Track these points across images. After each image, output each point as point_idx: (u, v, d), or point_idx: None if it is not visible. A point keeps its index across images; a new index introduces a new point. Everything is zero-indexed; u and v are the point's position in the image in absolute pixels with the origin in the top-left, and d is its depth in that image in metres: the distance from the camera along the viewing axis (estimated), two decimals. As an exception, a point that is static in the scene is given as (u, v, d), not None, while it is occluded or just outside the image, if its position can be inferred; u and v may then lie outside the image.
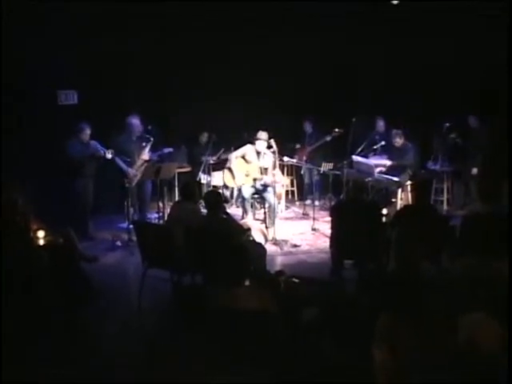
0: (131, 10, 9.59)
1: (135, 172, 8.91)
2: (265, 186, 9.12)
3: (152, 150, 9.23)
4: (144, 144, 9.09)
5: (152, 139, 9.07)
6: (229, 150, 9.73)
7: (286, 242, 8.66)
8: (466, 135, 9.94)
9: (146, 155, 9.08)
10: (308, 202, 11.01)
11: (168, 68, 10.81)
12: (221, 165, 10.21)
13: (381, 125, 10.58)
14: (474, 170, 9.83)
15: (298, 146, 11.04)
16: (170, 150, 9.76)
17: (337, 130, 10.27)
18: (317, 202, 10.71)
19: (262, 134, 9.01)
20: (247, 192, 9.23)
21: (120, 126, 9.18)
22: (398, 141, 9.67)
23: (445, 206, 10.27)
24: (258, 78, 10.92)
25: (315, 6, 10.14)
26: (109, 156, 8.59)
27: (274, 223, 8.95)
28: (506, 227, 5.81)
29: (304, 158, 10.75)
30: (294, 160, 10.43)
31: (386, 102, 10.51)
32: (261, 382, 4.62)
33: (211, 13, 10.30)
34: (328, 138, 10.49)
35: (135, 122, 9.17)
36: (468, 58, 9.90)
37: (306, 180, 11.34)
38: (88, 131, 8.75)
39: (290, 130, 11.08)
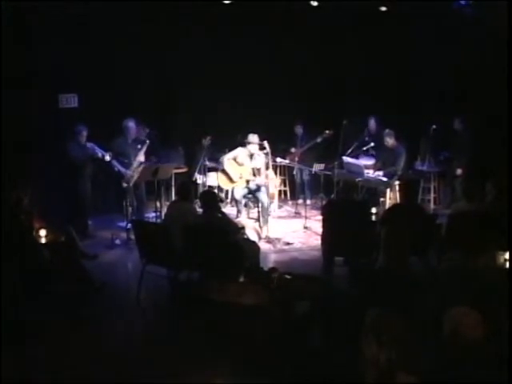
0: (130, 13, 9.69)
1: (132, 173, 8.99)
2: (258, 187, 9.24)
3: (149, 152, 9.35)
4: (139, 146, 9.21)
5: (148, 141, 9.18)
6: (223, 152, 9.82)
7: (278, 239, 8.81)
8: (451, 137, 10.11)
9: (141, 157, 9.18)
10: (300, 201, 11.09)
11: (165, 71, 10.97)
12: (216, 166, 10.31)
13: (372, 124, 10.64)
14: (459, 171, 9.96)
15: (292, 149, 11.05)
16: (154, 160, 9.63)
17: (327, 131, 10.45)
18: (308, 202, 10.93)
19: (253, 137, 9.13)
20: (239, 193, 9.35)
21: (120, 128, 9.32)
22: (389, 141, 9.72)
23: (432, 205, 10.40)
24: (252, 80, 11.01)
25: (309, 8, 10.29)
26: (107, 158, 8.78)
27: (267, 222, 9.08)
28: (489, 225, 6.03)
29: (296, 159, 10.84)
30: (287, 161, 10.55)
31: (375, 103, 10.67)
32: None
33: (209, 16, 10.42)
34: (319, 140, 10.58)
35: (131, 125, 9.29)
36: (457, 60, 10.09)
37: (298, 180, 11.39)
38: (85, 133, 8.91)
39: (282, 131, 11.12)
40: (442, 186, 10.55)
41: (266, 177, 9.25)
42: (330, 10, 10.31)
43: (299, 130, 11.19)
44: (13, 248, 6.05)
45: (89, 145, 8.88)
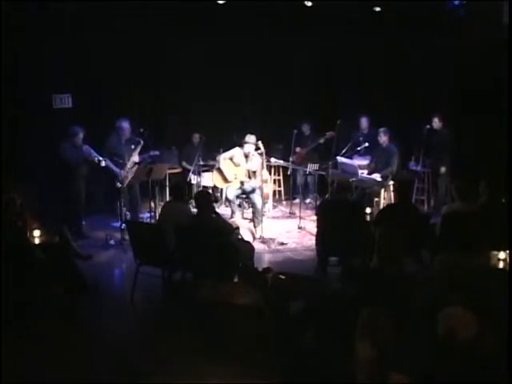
0: (124, 13, 9.69)
1: (126, 173, 8.97)
2: (252, 188, 9.25)
3: (142, 153, 9.33)
4: (133, 146, 9.20)
5: (142, 142, 9.16)
6: (218, 152, 9.82)
7: (273, 240, 8.80)
8: (431, 136, 10.11)
9: (136, 157, 9.17)
10: (296, 201, 11.06)
11: (160, 70, 11.00)
12: (210, 166, 10.34)
13: (364, 123, 10.63)
14: (443, 169, 9.99)
15: (298, 149, 10.97)
16: (157, 152, 9.72)
17: (328, 133, 10.41)
18: (303, 202, 10.94)
19: (251, 138, 9.12)
20: (231, 193, 9.34)
21: (113, 128, 9.31)
22: (383, 137, 9.70)
23: (426, 205, 10.44)
24: (245, 80, 11.06)
25: (303, 9, 10.30)
26: (103, 164, 8.73)
27: (261, 222, 9.08)
28: (484, 225, 6.03)
29: (291, 159, 10.84)
30: (281, 161, 10.57)
31: (369, 103, 10.69)
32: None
33: (204, 15, 10.41)
34: (321, 141, 10.63)
35: (124, 125, 9.26)
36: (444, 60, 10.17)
37: (294, 180, 11.38)
38: (81, 135, 8.86)
39: (277, 131, 11.19)
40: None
41: (261, 178, 9.24)
42: (324, 10, 10.29)
43: (306, 129, 11.18)
44: (5, 250, 6.04)
45: (85, 148, 8.82)
